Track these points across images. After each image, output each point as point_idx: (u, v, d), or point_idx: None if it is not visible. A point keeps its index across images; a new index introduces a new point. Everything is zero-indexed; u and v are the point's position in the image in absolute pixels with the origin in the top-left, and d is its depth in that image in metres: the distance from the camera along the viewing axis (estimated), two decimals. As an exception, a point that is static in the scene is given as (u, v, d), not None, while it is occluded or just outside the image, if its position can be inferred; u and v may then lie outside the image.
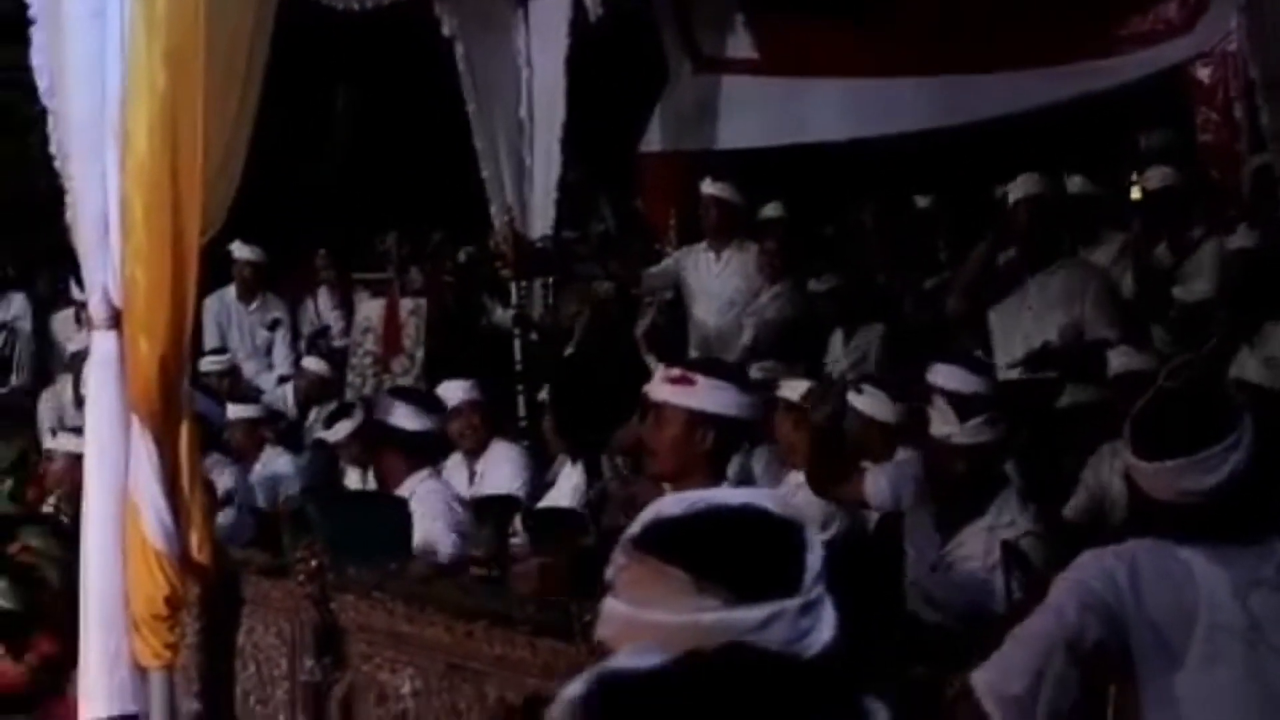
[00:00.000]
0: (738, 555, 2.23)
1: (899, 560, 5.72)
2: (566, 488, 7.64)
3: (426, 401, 7.09)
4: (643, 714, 1.88)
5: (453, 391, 7.85)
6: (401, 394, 7.39)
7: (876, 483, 5.95)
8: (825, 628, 2.23)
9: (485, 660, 4.76)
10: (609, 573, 2.30)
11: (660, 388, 4.68)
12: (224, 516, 6.85)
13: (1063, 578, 3.66)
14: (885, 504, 6.05)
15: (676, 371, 4.68)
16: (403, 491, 6.42)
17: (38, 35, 5.68)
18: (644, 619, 2.21)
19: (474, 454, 7.88)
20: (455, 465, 7.85)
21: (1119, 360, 6.89)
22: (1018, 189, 7.92)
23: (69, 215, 5.64)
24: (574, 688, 1.89)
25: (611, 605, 2.27)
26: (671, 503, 2.34)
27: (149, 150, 5.26)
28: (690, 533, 2.25)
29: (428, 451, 6.83)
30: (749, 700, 1.89)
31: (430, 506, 6.34)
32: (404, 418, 6.66)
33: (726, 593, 2.18)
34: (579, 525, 5.99)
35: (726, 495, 2.39)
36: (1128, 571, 3.58)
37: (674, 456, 4.62)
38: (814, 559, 2.24)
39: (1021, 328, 7.62)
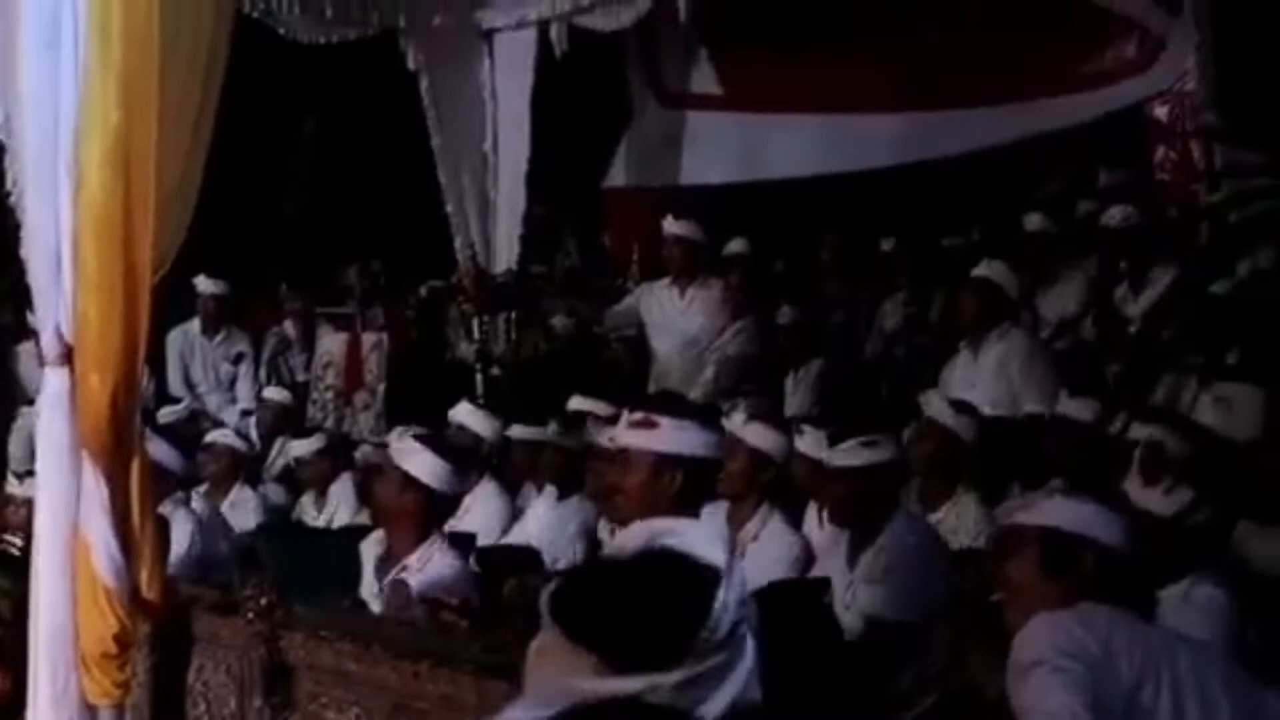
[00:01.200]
0: (617, 625, 2.22)
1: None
2: (533, 522, 7.61)
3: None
4: None
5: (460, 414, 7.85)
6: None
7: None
8: (716, 703, 2.21)
9: (431, 700, 4.74)
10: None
11: (624, 433, 4.62)
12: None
13: (1044, 665, 3.52)
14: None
15: (639, 415, 4.59)
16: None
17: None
18: (534, 675, 2.26)
19: None
20: None
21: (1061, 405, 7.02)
22: (979, 269, 8.03)
23: (23, 250, 5.62)
24: None
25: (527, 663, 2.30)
26: (609, 551, 2.36)
27: (101, 185, 5.23)
28: (581, 596, 2.25)
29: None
30: None
31: None
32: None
33: (597, 662, 2.19)
34: (532, 563, 5.96)
35: (661, 538, 2.34)
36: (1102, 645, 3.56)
37: (642, 501, 4.51)
38: (720, 621, 2.22)
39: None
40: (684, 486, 4.54)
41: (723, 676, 2.20)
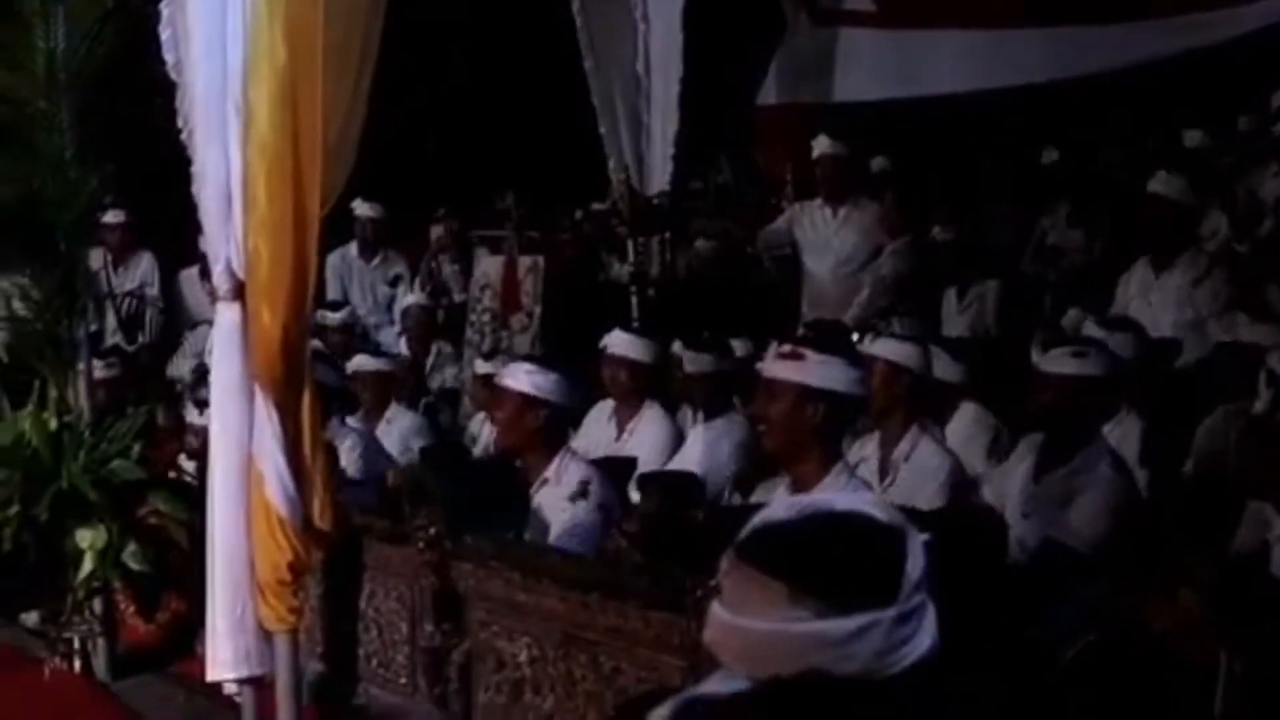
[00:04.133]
0: (832, 565, 2.24)
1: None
2: (694, 448, 7.66)
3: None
4: None
5: (615, 341, 7.93)
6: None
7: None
8: (925, 636, 2.25)
9: (599, 631, 4.81)
10: (718, 576, 2.35)
11: (771, 364, 4.76)
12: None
13: None
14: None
15: (787, 347, 4.76)
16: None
17: (165, 9, 5.78)
18: (738, 626, 2.25)
19: (625, 410, 7.83)
20: (601, 415, 7.87)
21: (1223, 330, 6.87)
22: (1155, 183, 7.83)
23: (194, 188, 5.74)
24: (660, 711, 1.94)
25: (714, 611, 2.31)
26: (779, 508, 2.36)
27: (270, 125, 5.31)
28: (788, 542, 2.27)
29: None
30: None
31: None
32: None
33: (819, 603, 2.20)
34: (694, 493, 5.99)
35: (833, 501, 2.40)
36: None
37: (784, 431, 4.77)
38: (914, 567, 2.26)
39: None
40: (825, 419, 4.74)
41: (924, 614, 2.25)
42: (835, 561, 2.25)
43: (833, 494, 2.50)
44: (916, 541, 2.29)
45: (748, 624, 2.24)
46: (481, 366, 9.22)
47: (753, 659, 2.24)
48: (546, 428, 6.07)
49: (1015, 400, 6.49)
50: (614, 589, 4.78)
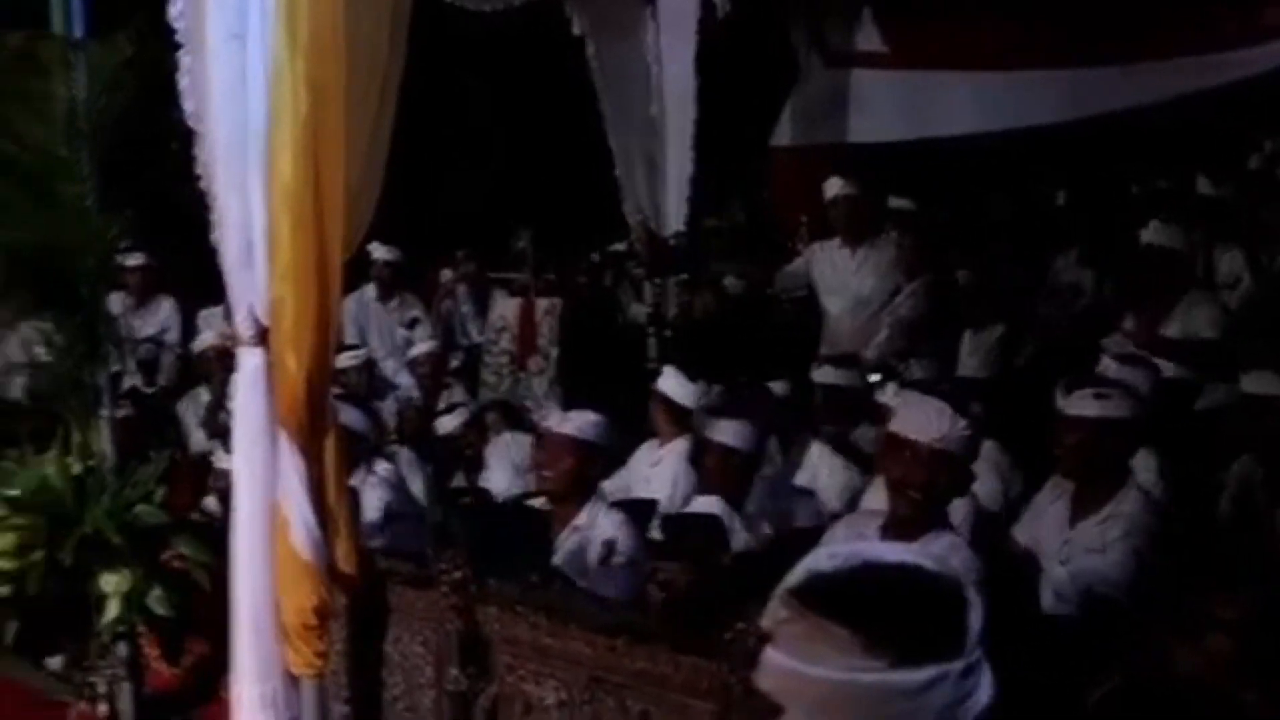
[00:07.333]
0: (902, 616, 2.24)
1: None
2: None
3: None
4: None
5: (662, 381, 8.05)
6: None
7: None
8: (984, 689, 2.25)
9: (627, 674, 4.82)
10: (766, 621, 2.34)
11: None
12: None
13: None
14: None
15: None
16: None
17: (184, 59, 5.81)
18: (806, 675, 2.23)
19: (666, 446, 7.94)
20: (648, 452, 7.98)
21: (1252, 383, 6.85)
22: (1147, 234, 7.89)
23: (215, 234, 5.77)
24: None
25: (772, 657, 2.29)
26: (825, 556, 2.36)
27: (293, 174, 5.35)
28: (853, 590, 2.28)
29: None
30: None
31: None
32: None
33: (890, 654, 2.20)
34: (716, 535, 6.02)
35: (881, 551, 2.40)
36: None
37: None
38: (975, 619, 2.26)
39: None
40: None
41: (983, 668, 2.26)
42: (908, 612, 2.25)
43: (876, 544, 2.49)
44: (974, 594, 2.30)
45: (821, 673, 2.22)
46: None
47: (825, 709, 2.24)
48: (588, 473, 6.13)
49: (1033, 440, 6.50)
50: (642, 633, 4.79)
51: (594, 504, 6.21)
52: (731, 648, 4.19)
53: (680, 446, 7.82)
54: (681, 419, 7.93)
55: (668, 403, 7.94)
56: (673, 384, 7.95)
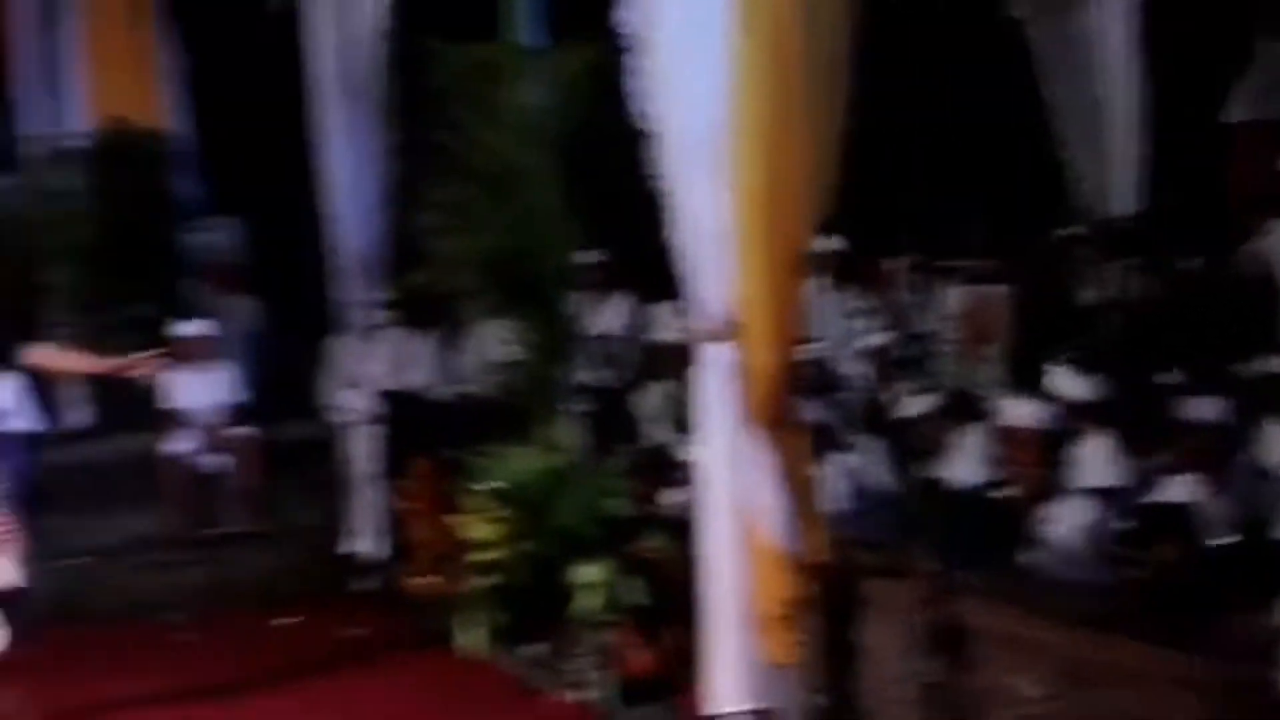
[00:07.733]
0: None
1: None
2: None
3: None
4: None
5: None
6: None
7: None
8: None
9: (1098, 667, 4.75)
10: None
11: None
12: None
13: None
14: None
15: None
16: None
17: (636, 62, 5.91)
18: None
19: None
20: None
21: None
22: None
23: (672, 231, 5.87)
24: None
25: None
26: None
27: (755, 176, 5.46)
28: None
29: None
30: None
31: None
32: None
33: None
34: (1186, 526, 5.86)
35: None
36: None
37: None
38: None
39: None
40: None
41: None
42: None
43: None
44: None
45: None
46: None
47: None
48: (1052, 461, 6.10)
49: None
50: (1110, 624, 4.71)
51: (1060, 493, 6.13)
52: (1227, 641, 4.09)
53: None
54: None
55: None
56: (1066, 384, 7.81)
